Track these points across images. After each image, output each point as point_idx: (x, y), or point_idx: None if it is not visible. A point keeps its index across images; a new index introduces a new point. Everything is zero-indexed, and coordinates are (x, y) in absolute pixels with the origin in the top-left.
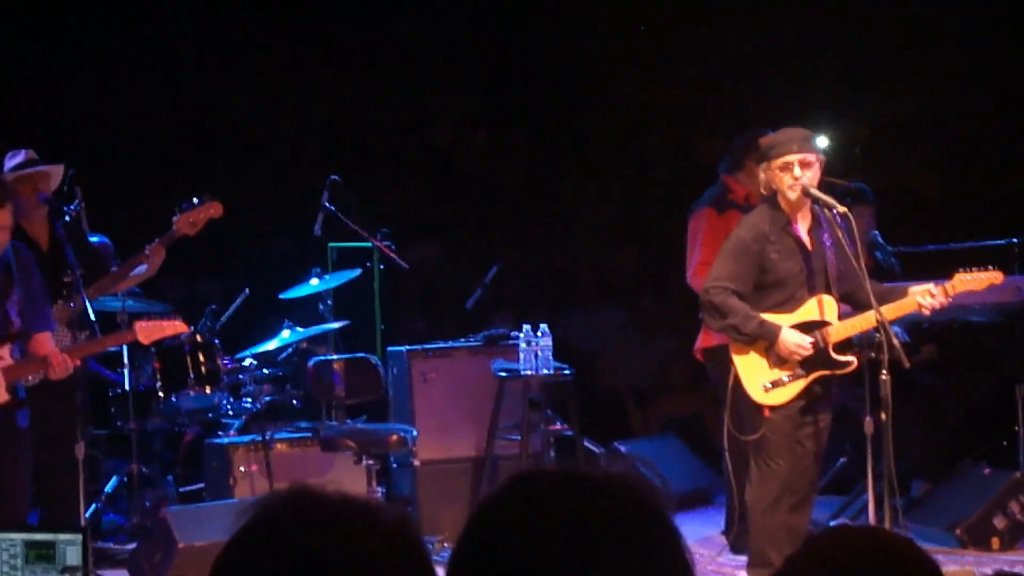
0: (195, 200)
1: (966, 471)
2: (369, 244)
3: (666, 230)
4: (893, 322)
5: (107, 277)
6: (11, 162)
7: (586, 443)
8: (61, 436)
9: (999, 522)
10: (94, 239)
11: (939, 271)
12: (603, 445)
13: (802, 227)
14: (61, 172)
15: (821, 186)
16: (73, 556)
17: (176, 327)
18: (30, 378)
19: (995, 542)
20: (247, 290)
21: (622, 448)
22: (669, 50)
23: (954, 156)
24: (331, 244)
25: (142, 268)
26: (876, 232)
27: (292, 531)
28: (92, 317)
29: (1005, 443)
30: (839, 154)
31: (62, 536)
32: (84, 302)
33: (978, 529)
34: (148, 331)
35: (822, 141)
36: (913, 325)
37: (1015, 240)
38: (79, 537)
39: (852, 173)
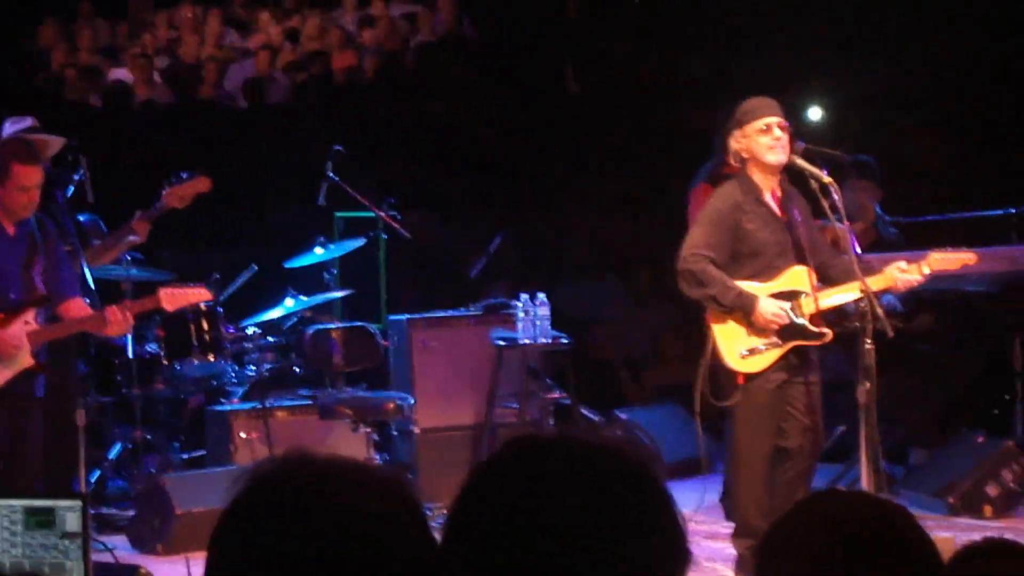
0: (183, 175)
1: (961, 439)
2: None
3: (661, 201)
4: (886, 292)
5: (97, 246)
6: (13, 127)
7: (584, 411)
8: (59, 403)
9: (992, 489)
10: (83, 217)
11: (940, 241)
12: (600, 413)
13: (772, 198)
14: (60, 144)
15: (817, 157)
16: (73, 522)
17: (200, 295)
18: None
19: (988, 509)
20: (254, 267)
21: (622, 416)
22: (664, 21)
23: (952, 125)
24: (337, 214)
25: (132, 238)
26: (876, 204)
27: (287, 494)
28: (92, 285)
29: (996, 412)
30: (835, 125)
31: (62, 503)
32: (84, 270)
33: (971, 496)
34: (172, 298)
35: (815, 112)
36: (910, 295)
37: (1013, 211)
38: (79, 504)
39: (848, 143)
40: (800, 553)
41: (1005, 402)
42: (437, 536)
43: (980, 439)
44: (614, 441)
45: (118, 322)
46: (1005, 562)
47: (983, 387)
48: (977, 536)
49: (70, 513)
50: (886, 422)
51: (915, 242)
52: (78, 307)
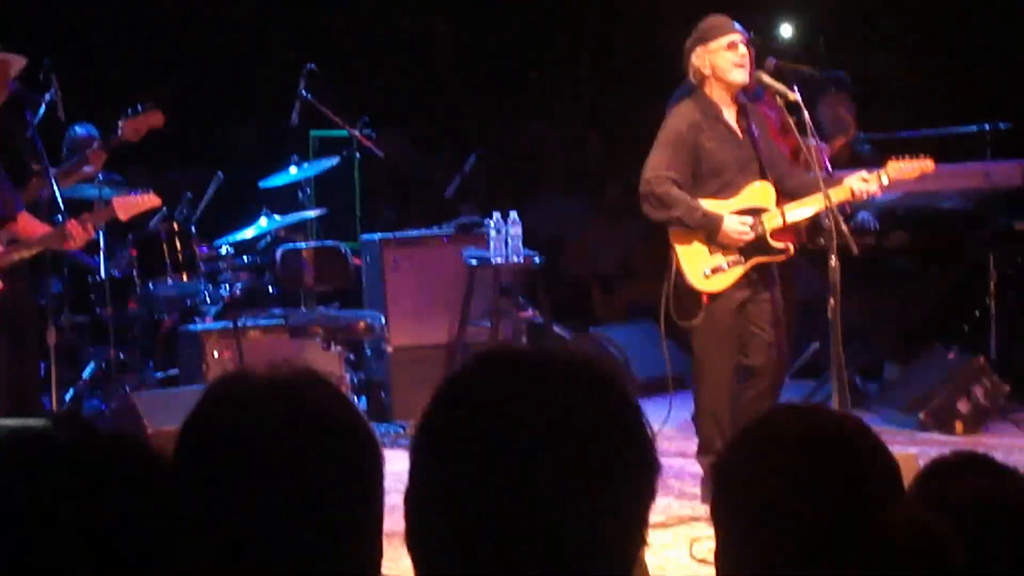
0: (139, 107)
1: (933, 355)
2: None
3: (631, 119)
4: (861, 208)
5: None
6: None
7: (556, 328)
8: (19, 322)
9: (962, 406)
10: (81, 129)
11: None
12: (574, 331)
13: (729, 115)
14: (21, 63)
15: (789, 74)
16: None
17: (150, 200)
18: None
19: (958, 425)
20: (220, 174)
21: (595, 332)
22: None
23: (918, 42)
24: (312, 132)
25: (88, 168)
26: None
27: (228, 414)
28: (61, 205)
29: (967, 328)
30: (803, 42)
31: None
32: (55, 190)
33: (941, 412)
34: (125, 206)
35: (786, 30)
36: (885, 212)
37: (987, 126)
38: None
39: (816, 61)
40: (755, 470)
41: (977, 318)
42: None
43: (951, 355)
44: (584, 354)
45: (79, 235)
46: (974, 476)
47: (957, 303)
48: (946, 451)
49: None
50: (861, 339)
51: (888, 159)
52: (28, 223)
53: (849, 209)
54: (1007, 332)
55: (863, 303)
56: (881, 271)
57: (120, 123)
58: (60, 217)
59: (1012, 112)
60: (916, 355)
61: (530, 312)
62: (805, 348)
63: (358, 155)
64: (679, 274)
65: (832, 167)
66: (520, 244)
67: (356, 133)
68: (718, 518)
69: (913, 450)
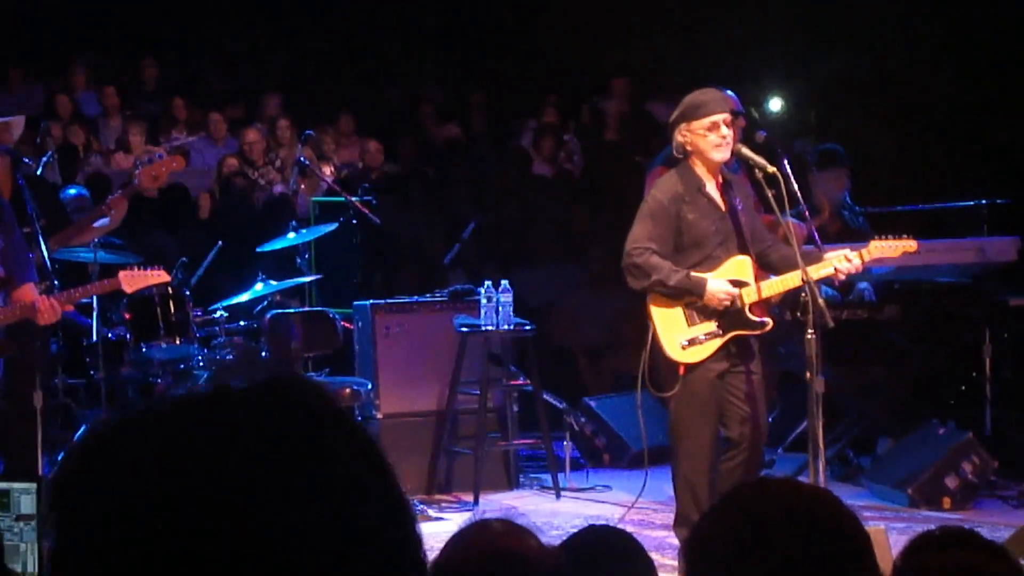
0: (158, 154)
1: (924, 430)
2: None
3: (619, 188)
4: (861, 279)
5: (70, 228)
6: None
7: (547, 397)
8: (20, 385)
9: (951, 482)
10: (72, 191)
11: (909, 232)
12: (564, 400)
13: (712, 188)
14: (22, 124)
15: (778, 148)
16: (28, 505)
17: (158, 277)
18: None
19: (946, 501)
20: (220, 243)
21: (591, 404)
22: (624, 12)
23: (909, 117)
24: (313, 199)
25: (105, 220)
26: (845, 193)
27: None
28: (49, 267)
29: (953, 403)
30: (794, 115)
31: (17, 485)
32: (43, 253)
33: (930, 488)
34: (132, 280)
35: (776, 103)
36: (880, 285)
37: (983, 202)
38: (34, 486)
39: (806, 134)
40: (723, 546)
41: (969, 393)
42: None
43: (941, 431)
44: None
45: (46, 310)
46: (958, 550)
47: (952, 378)
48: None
49: (25, 496)
50: (854, 413)
51: (884, 233)
52: (30, 293)
53: (840, 280)
54: (1002, 407)
55: (857, 377)
56: (875, 344)
57: (135, 172)
58: (56, 280)
59: (1010, 189)
60: (909, 429)
61: (520, 380)
62: (800, 422)
63: (355, 221)
64: (656, 344)
65: (821, 239)
66: (511, 312)
67: (353, 199)
68: None
69: (899, 526)
